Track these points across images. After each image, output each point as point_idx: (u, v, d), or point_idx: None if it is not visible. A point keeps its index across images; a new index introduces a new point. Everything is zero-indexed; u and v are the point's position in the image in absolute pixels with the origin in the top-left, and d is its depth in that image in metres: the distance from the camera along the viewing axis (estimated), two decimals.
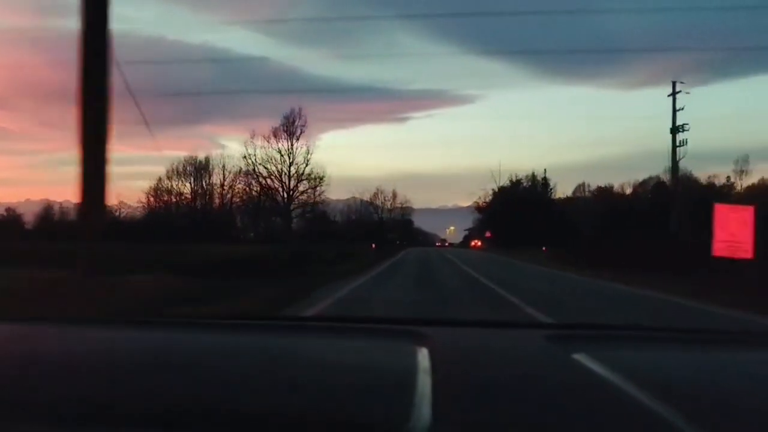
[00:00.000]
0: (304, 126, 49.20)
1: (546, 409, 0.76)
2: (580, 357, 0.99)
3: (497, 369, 0.97)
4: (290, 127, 50.11)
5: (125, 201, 59.30)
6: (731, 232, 10.20)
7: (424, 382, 0.82)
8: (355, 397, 0.79)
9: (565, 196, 60.03)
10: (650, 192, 43.80)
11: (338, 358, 1.05)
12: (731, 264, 10.66)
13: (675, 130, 26.32)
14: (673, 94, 26.24)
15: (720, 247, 10.34)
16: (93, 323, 1.45)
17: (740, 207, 10.52)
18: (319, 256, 19.50)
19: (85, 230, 6.70)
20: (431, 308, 8.85)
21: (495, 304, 9.54)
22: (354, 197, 71.31)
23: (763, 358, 1.18)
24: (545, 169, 57.45)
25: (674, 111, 26.21)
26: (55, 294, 5.86)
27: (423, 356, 0.97)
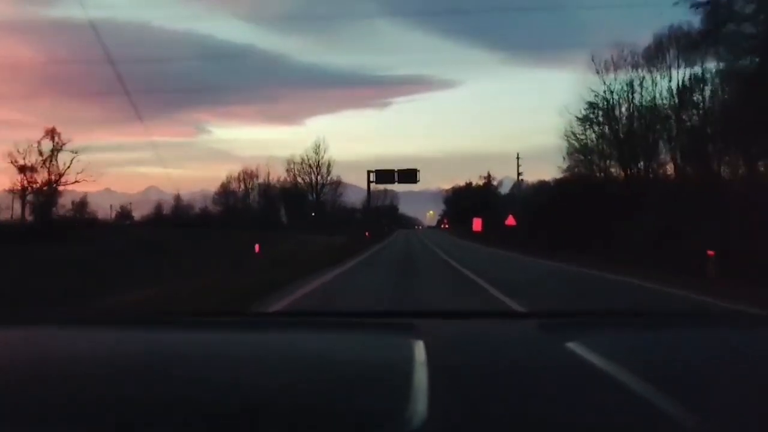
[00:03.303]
0: (326, 150, 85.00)
1: (542, 398, 0.80)
2: (573, 345, 1.04)
3: (493, 359, 1.02)
4: (318, 149, 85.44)
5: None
6: (478, 223, 46.56)
7: (421, 374, 0.87)
8: (353, 391, 0.84)
9: (508, 190, 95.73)
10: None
11: (336, 352, 1.11)
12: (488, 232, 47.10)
13: (518, 174, 62.32)
14: (517, 159, 62.19)
15: (477, 228, 46.60)
16: (73, 324, 1.47)
17: (479, 219, 46.75)
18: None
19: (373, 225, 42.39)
20: (412, 239, 46.66)
21: (420, 241, 46.31)
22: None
23: (750, 338, 1.25)
24: (489, 172, 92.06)
25: (518, 165, 62.10)
26: (358, 242, 40.63)
27: (419, 348, 1.02)
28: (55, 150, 45.29)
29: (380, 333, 1.28)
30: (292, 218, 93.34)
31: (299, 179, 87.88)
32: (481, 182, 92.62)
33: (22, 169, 44.06)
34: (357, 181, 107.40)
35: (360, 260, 20.88)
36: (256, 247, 16.33)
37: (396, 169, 40.83)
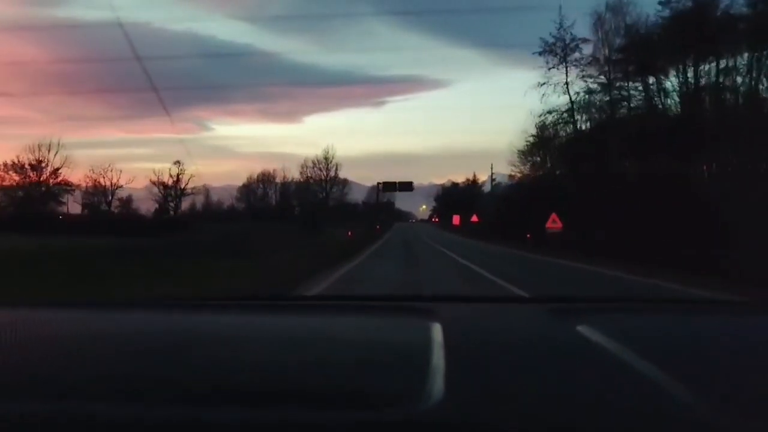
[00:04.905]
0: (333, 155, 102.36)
1: (554, 379, 0.84)
2: (583, 329, 1.08)
3: (507, 341, 1.06)
4: (327, 154, 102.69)
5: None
6: (457, 219, 64.11)
7: (439, 355, 0.90)
8: (374, 370, 0.88)
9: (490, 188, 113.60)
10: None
11: (358, 334, 1.14)
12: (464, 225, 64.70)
13: (492, 179, 79.68)
14: (491, 168, 79.50)
15: (455, 222, 64.10)
16: (110, 306, 1.56)
17: (458, 216, 64.19)
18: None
19: (375, 218, 59.83)
20: (408, 231, 65.69)
21: (414, 232, 64.75)
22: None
23: (754, 325, 1.31)
24: (474, 173, 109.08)
25: (491, 173, 79.44)
26: (374, 233, 57.69)
27: (437, 331, 1.05)
28: (180, 173, 75.24)
29: (399, 316, 1.33)
30: (304, 213, 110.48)
31: (311, 180, 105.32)
32: (470, 178, 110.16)
33: (165, 186, 75.48)
34: (354, 177, 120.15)
35: (386, 239, 40.51)
36: (350, 232, 33.95)
37: (397, 182, 57.94)
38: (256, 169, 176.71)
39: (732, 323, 1.35)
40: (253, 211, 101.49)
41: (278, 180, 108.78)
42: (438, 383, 0.78)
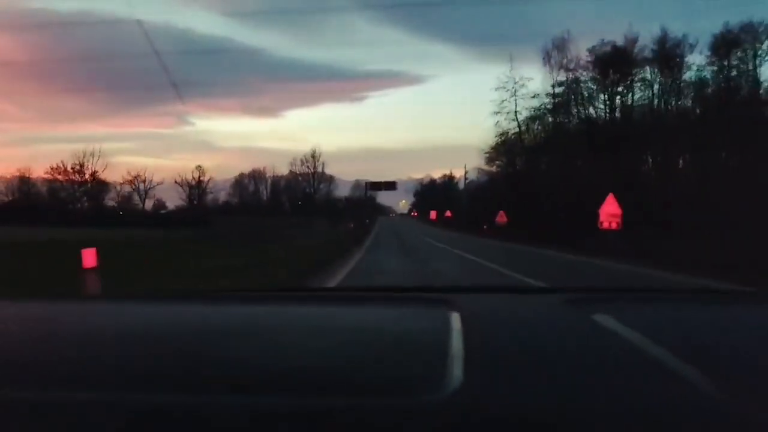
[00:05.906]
0: (320, 154, 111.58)
1: (570, 367, 0.85)
2: (599, 318, 1.10)
3: (524, 331, 1.07)
4: (314, 154, 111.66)
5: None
6: (434, 214, 74.06)
7: (457, 345, 0.91)
8: (392, 360, 0.89)
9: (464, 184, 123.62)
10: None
11: (375, 324, 1.16)
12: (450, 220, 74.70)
13: (465, 178, 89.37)
14: (465, 169, 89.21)
15: (432, 217, 74.05)
16: (130, 299, 1.60)
17: (435, 211, 74.09)
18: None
19: (362, 215, 69.30)
20: (392, 223, 76.84)
21: (394, 223, 76.21)
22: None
23: None
24: (451, 171, 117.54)
25: (465, 173, 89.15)
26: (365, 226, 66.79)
27: (456, 321, 1.07)
28: (201, 176, 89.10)
29: (418, 306, 1.35)
30: (294, 208, 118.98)
31: (299, 177, 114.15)
32: (447, 174, 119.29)
33: (191, 187, 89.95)
34: (334, 171, 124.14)
35: (377, 230, 49.50)
36: (350, 224, 43.19)
37: (383, 182, 66.82)
38: (236, 163, 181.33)
39: (749, 312, 1.36)
40: (246, 205, 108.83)
41: (269, 176, 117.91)
42: (457, 371, 0.79)
